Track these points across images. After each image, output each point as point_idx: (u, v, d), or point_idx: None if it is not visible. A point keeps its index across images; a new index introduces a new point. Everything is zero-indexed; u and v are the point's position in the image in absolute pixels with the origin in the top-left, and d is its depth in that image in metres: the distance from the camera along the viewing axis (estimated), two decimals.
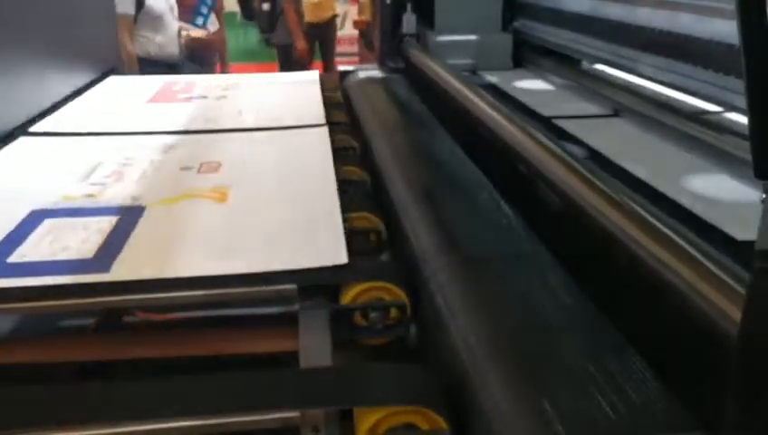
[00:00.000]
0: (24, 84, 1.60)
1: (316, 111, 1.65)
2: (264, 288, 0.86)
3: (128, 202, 1.10)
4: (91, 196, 1.13)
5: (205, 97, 1.90)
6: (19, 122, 1.53)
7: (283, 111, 1.69)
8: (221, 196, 1.13)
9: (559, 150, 1.10)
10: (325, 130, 1.50)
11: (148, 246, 0.94)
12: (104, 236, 0.97)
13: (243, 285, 0.86)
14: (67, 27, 1.90)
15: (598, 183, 0.93)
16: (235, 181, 1.19)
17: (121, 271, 0.87)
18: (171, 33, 3.58)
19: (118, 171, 1.25)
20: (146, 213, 1.05)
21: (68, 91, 1.86)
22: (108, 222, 1.02)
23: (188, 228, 1.01)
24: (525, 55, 2.38)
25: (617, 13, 1.75)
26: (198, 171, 1.25)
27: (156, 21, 3.48)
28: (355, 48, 6.62)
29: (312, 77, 2.12)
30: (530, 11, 2.34)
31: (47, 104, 1.71)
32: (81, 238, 0.96)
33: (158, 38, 3.50)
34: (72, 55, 1.94)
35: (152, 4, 3.44)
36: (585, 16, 1.91)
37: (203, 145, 1.42)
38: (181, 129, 1.54)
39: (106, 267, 0.88)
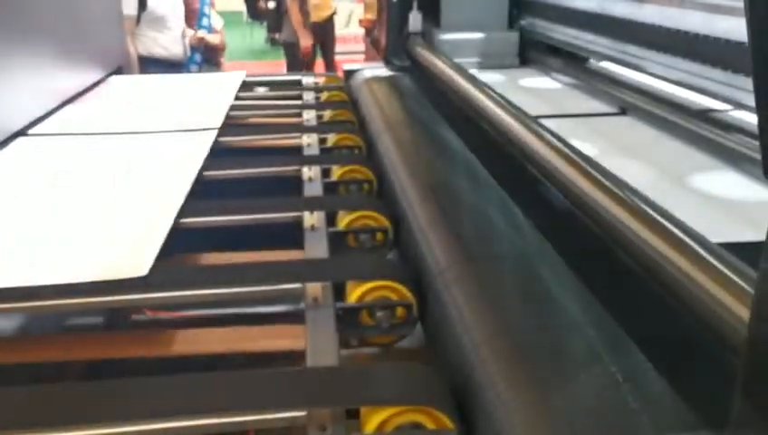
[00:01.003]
0: (32, 85, 1.61)
1: (214, 115, 1.64)
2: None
3: None
4: None
5: (124, 98, 1.90)
6: (25, 123, 1.54)
7: (181, 114, 1.69)
8: (62, 201, 1.11)
9: (566, 149, 1.10)
10: (212, 133, 1.48)
11: None
12: None
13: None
14: (75, 27, 1.91)
15: (605, 182, 0.93)
16: (85, 187, 1.17)
17: None
18: (175, 33, 3.62)
19: None
20: None
21: (75, 90, 1.87)
22: None
23: (6, 234, 0.98)
24: (532, 54, 2.37)
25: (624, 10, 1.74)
26: (57, 176, 1.23)
27: (158, 21, 3.54)
28: (361, 46, 6.63)
29: (235, 78, 2.10)
30: (537, 8, 2.33)
31: (54, 104, 1.72)
32: None
33: (162, 38, 3.56)
34: (80, 55, 1.95)
35: (155, 5, 3.49)
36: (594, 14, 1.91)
37: (81, 149, 1.41)
38: (74, 132, 1.54)
39: None
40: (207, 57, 4.15)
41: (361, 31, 6.39)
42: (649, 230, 0.77)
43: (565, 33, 2.10)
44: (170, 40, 3.59)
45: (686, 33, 1.45)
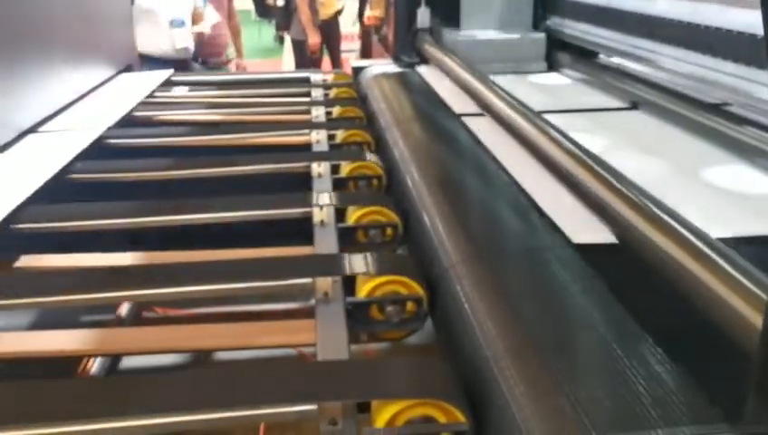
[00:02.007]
0: (45, 83, 1.62)
1: (111, 115, 1.65)
2: None
3: None
4: None
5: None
6: (37, 120, 1.56)
7: (85, 112, 1.71)
8: None
9: (574, 146, 1.10)
10: (92, 133, 1.49)
11: None
12: None
13: None
14: (87, 26, 1.93)
15: (612, 179, 0.93)
16: None
17: None
18: (162, 28, 3.47)
19: None
20: None
21: (87, 88, 1.89)
22: None
23: None
24: (560, 57, 2.21)
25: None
26: None
27: (146, 16, 3.39)
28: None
29: (159, 77, 2.11)
30: (565, 7, 2.21)
31: (66, 101, 1.73)
32: None
33: (149, 33, 3.39)
34: (91, 54, 1.96)
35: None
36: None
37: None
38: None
39: None
40: (201, 53, 3.82)
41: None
42: (662, 234, 0.77)
43: (585, 30, 2.07)
44: (157, 36, 3.44)
45: (707, 28, 1.43)
